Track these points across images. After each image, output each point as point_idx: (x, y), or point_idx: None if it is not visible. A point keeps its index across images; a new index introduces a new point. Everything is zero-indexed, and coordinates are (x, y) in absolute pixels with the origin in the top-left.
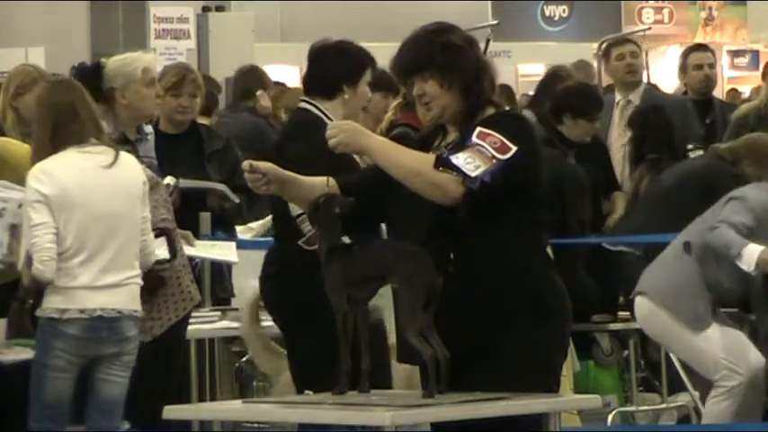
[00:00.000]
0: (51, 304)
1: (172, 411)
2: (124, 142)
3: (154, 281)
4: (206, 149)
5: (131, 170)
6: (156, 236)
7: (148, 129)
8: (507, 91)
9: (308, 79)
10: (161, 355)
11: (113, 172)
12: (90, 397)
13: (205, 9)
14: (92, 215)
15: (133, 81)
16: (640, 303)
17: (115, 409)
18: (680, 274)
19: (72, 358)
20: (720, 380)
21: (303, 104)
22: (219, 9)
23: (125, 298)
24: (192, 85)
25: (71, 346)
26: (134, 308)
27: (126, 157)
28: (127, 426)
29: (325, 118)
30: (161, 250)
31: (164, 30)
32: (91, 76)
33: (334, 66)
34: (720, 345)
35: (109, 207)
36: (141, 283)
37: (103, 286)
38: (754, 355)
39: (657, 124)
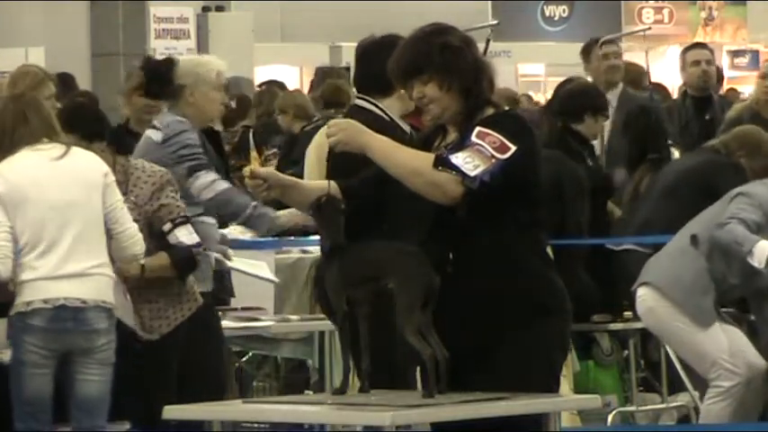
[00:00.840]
0: (18, 300)
1: (172, 411)
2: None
3: (186, 263)
4: None
5: (86, 161)
6: (182, 223)
7: None
8: (509, 93)
9: (361, 78)
10: (162, 354)
11: (65, 163)
12: (69, 397)
13: (205, 9)
14: (46, 206)
15: (204, 82)
16: (644, 294)
17: (96, 407)
18: (687, 268)
19: (43, 352)
20: (717, 379)
21: (360, 102)
22: (219, 9)
23: (90, 288)
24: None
25: (39, 339)
26: (102, 298)
27: (80, 151)
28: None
29: (384, 115)
30: (192, 235)
31: (164, 30)
32: (163, 70)
33: (384, 65)
34: (721, 344)
35: (63, 196)
36: (111, 274)
37: (65, 275)
38: (754, 357)
39: (656, 124)
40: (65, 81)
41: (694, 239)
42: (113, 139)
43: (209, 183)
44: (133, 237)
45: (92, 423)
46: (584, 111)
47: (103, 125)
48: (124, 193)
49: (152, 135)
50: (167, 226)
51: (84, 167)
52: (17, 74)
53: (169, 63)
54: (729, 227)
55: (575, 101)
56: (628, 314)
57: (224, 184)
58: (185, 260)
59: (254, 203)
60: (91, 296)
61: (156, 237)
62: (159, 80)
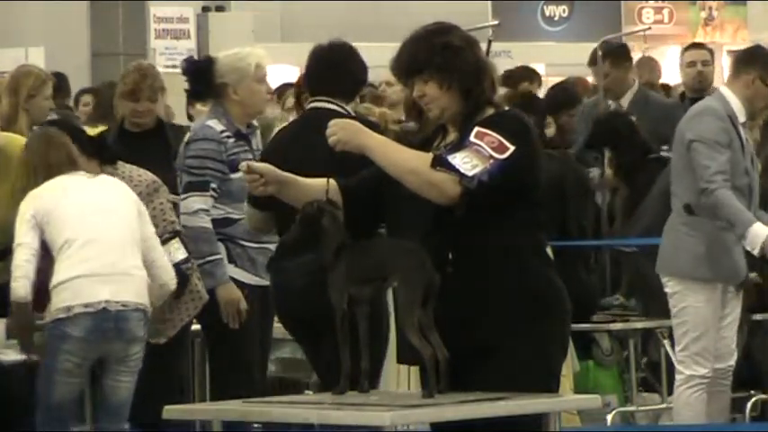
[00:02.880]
0: (56, 304)
1: (172, 411)
2: (240, 137)
3: (179, 281)
4: (173, 145)
5: (118, 182)
6: (170, 238)
7: (254, 122)
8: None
9: (326, 83)
10: (163, 355)
11: (97, 180)
12: (99, 402)
13: (205, 9)
14: (83, 204)
15: (246, 76)
16: (671, 284)
17: (122, 411)
18: (697, 238)
19: (79, 361)
20: (681, 363)
21: (317, 104)
22: (219, 9)
23: (130, 290)
24: (149, 91)
25: (78, 348)
26: (140, 300)
27: (107, 177)
28: (127, 426)
29: (345, 112)
30: (180, 250)
31: (164, 30)
32: (203, 70)
33: (354, 70)
34: (700, 330)
35: (98, 199)
36: (146, 276)
37: (107, 274)
38: (723, 359)
39: (634, 126)
40: (58, 81)
41: (689, 209)
42: (95, 150)
43: (193, 212)
44: (161, 269)
45: (115, 426)
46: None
47: (82, 139)
48: None
49: (186, 138)
50: None
51: (116, 184)
52: (19, 74)
53: (209, 62)
54: (717, 196)
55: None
56: (624, 314)
57: (203, 222)
58: (178, 278)
59: (214, 258)
60: (131, 298)
61: None
62: (204, 81)
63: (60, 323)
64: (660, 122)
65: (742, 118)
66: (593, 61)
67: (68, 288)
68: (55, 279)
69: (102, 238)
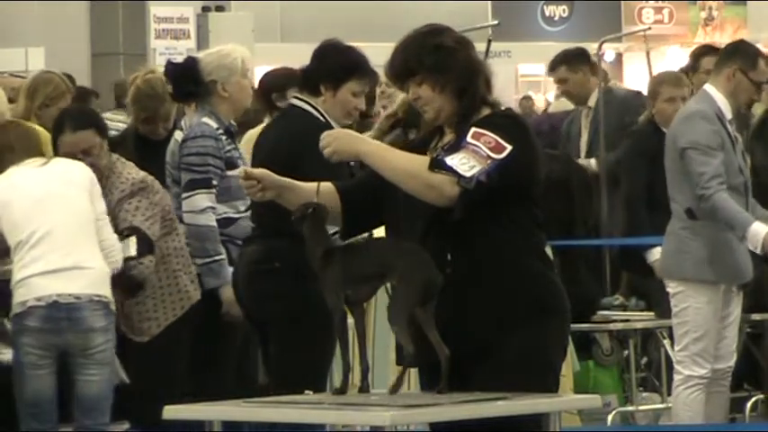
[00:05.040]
0: (14, 301)
1: (172, 411)
2: (229, 134)
3: (123, 281)
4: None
5: (69, 164)
6: (127, 235)
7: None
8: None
9: (300, 74)
10: (162, 355)
11: (47, 167)
12: (74, 399)
13: (205, 9)
14: (30, 201)
15: (235, 73)
16: (673, 284)
17: (96, 407)
18: (700, 241)
19: (39, 352)
20: (679, 363)
21: (294, 101)
22: (219, 9)
23: (83, 283)
24: (164, 116)
25: (35, 339)
26: (96, 292)
27: (63, 159)
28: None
29: (319, 116)
30: (129, 248)
31: (164, 30)
32: (189, 71)
33: (321, 63)
34: (701, 330)
35: (44, 190)
36: (106, 268)
37: (57, 270)
38: (723, 359)
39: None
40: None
41: (690, 213)
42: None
43: (200, 210)
44: (108, 248)
45: (93, 422)
46: None
47: (101, 127)
48: (105, 195)
49: (177, 136)
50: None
51: (66, 168)
52: (40, 79)
53: (193, 62)
54: (714, 201)
55: None
56: (624, 314)
57: (210, 221)
58: (120, 279)
59: (219, 257)
60: (84, 290)
61: None
62: (191, 82)
63: (18, 318)
64: (622, 113)
65: (729, 115)
66: (551, 68)
67: (23, 285)
68: (13, 279)
69: (55, 230)
